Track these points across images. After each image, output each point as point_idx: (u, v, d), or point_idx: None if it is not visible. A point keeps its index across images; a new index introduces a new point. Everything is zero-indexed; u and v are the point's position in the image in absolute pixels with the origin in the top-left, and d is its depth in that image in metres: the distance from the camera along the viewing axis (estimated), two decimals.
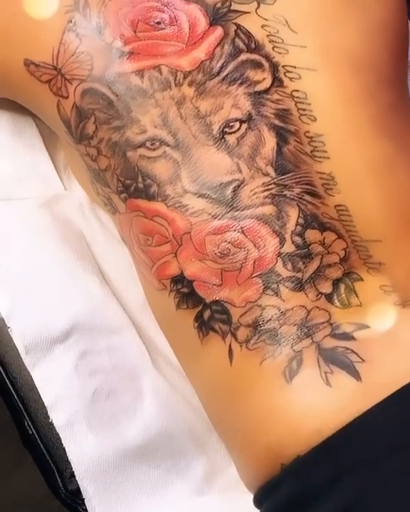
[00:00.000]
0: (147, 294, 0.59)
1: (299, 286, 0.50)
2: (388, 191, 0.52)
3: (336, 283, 0.50)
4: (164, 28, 0.52)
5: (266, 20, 0.53)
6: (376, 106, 0.53)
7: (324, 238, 0.50)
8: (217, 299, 0.52)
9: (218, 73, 0.52)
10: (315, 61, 0.53)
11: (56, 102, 0.56)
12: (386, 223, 0.51)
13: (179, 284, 0.53)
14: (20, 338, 0.60)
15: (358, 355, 0.49)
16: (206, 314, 0.53)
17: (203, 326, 0.53)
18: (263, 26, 0.53)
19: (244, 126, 0.51)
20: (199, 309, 0.53)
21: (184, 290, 0.53)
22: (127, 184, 0.54)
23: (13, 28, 0.56)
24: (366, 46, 0.54)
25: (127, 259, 0.62)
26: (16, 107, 0.65)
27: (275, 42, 0.53)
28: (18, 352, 0.61)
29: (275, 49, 0.53)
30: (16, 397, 0.60)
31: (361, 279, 0.50)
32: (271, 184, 0.51)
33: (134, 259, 0.58)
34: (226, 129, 0.51)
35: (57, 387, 0.59)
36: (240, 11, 0.53)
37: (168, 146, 0.52)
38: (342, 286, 0.50)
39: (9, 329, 0.62)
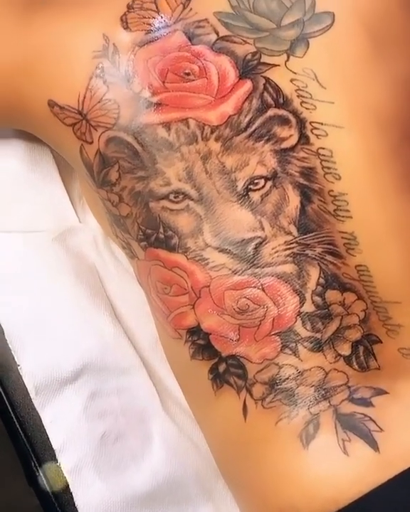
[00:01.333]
0: (161, 338, 0.59)
1: (318, 346, 0.50)
2: (409, 251, 0.53)
3: (355, 345, 0.50)
4: (193, 80, 0.52)
5: (295, 73, 0.53)
6: (401, 163, 0.53)
7: (344, 299, 0.50)
8: (233, 353, 0.52)
9: (246, 129, 0.51)
10: (342, 118, 0.53)
11: (79, 145, 0.55)
12: (406, 285, 0.51)
13: (195, 335, 0.53)
14: (30, 378, 0.60)
15: (376, 424, 0.49)
16: (222, 367, 0.53)
17: (218, 379, 0.53)
18: (292, 80, 0.53)
19: (269, 183, 0.51)
20: (214, 362, 0.53)
21: (200, 342, 0.53)
22: (147, 233, 0.54)
23: (39, 67, 0.56)
24: (391, 102, 0.54)
25: (140, 296, 0.61)
26: (32, 136, 0.64)
27: (304, 97, 0.53)
28: (26, 390, 0.61)
29: (303, 104, 0.53)
30: (23, 436, 0.60)
31: (380, 342, 0.50)
32: (293, 243, 0.51)
33: (151, 304, 0.58)
34: (251, 186, 0.51)
35: (66, 429, 0.59)
36: (270, 64, 0.53)
37: (191, 199, 0.52)
38: (361, 349, 0.50)
39: (19, 367, 0.61)
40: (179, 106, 0.51)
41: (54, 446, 0.58)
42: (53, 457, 0.58)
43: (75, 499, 0.57)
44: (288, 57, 0.53)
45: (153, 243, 0.54)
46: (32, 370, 0.60)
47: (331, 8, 0.55)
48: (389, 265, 0.51)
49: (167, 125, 0.51)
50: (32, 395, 0.60)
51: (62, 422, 0.59)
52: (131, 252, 0.57)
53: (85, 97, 0.53)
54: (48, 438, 0.59)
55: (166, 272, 0.54)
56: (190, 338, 0.54)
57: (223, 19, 0.53)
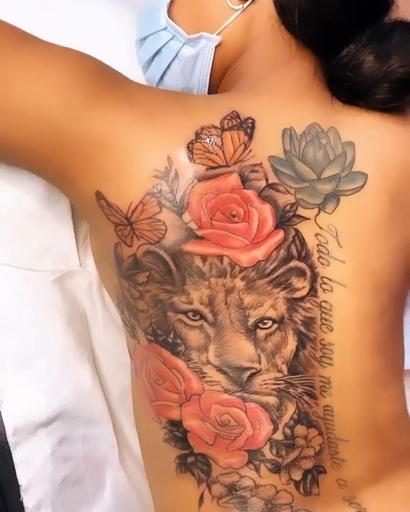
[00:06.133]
0: (136, 410, 0.66)
1: (276, 469, 0.59)
2: (368, 401, 0.62)
3: (305, 473, 0.60)
4: (237, 222, 0.57)
5: (321, 228, 0.60)
6: (382, 325, 0.62)
7: (308, 434, 0.60)
8: (205, 453, 0.60)
9: (268, 275, 0.58)
10: (348, 278, 0.60)
11: (116, 241, 0.59)
12: (357, 427, 0.61)
13: (175, 427, 0.61)
14: (10, 419, 0.66)
15: None
16: (190, 459, 0.61)
17: (183, 466, 0.61)
18: (316, 234, 0.60)
19: (275, 326, 0.59)
20: (185, 453, 0.61)
21: (177, 434, 0.61)
22: (157, 333, 0.60)
23: (96, 156, 0.57)
24: (389, 268, 0.62)
25: (118, 347, 0.69)
26: None
27: (322, 252, 0.60)
28: (2, 426, 0.66)
29: (320, 259, 0.60)
30: None
31: (325, 472, 0.60)
32: (281, 380, 0.59)
33: (137, 381, 0.64)
34: (260, 324, 0.58)
35: (33, 470, 0.66)
36: (303, 217, 0.59)
37: (206, 321, 0.59)
38: (309, 477, 0.60)
39: (0, 401, 0.67)
40: (218, 243, 0.57)
41: (21, 485, 0.65)
42: (17, 493, 0.65)
43: None
44: (319, 212, 0.60)
45: (160, 342, 0.60)
46: (13, 412, 0.66)
47: (366, 170, 0.61)
48: (349, 409, 0.61)
49: (204, 257, 0.57)
50: (9, 434, 0.66)
51: (31, 463, 0.66)
52: (133, 333, 0.63)
53: (136, 209, 0.57)
54: (16, 476, 0.66)
55: (164, 368, 0.60)
56: (168, 427, 0.61)
57: (275, 165, 0.59)
